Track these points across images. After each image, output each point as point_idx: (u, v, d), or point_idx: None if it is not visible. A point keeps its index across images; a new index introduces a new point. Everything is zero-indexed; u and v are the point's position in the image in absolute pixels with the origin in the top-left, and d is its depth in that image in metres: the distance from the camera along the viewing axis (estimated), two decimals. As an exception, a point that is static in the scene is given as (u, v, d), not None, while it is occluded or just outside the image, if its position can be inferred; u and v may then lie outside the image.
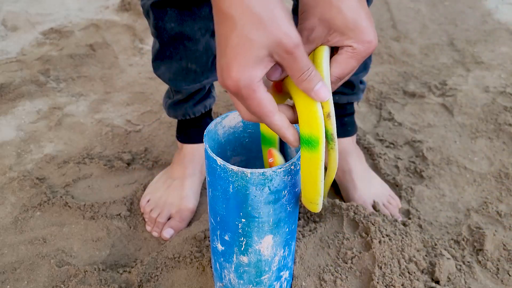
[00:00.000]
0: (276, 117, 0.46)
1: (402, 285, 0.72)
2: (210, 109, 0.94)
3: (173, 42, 0.79)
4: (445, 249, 0.82)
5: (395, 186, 0.98)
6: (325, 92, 0.45)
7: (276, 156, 0.54)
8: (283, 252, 0.61)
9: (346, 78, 0.49)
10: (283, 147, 0.60)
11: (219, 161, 0.50)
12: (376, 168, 1.02)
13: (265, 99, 0.44)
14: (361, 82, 0.94)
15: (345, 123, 0.96)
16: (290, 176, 0.52)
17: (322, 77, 0.45)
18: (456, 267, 0.78)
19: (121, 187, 0.98)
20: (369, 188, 0.92)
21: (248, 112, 0.47)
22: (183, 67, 0.82)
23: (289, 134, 0.47)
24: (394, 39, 1.52)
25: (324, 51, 0.47)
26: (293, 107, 0.49)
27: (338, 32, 0.46)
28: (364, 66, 0.92)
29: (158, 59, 0.83)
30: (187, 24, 0.77)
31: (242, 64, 0.42)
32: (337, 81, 0.48)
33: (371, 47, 0.47)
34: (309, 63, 0.44)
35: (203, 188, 0.96)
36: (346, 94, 0.93)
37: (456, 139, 1.11)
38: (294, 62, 0.43)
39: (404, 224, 0.86)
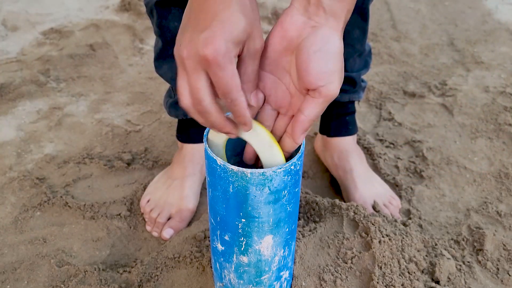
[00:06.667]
0: (242, 93, 0.45)
1: (402, 285, 0.72)
2: (211, 109, 0.94)
3: None
4: (445, 249, 0.82)
5: (395, 186, 0.98)
6: None
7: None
8: (283, 252, 0.61)
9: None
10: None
11: (219, 161, 0.50)
12: (376, 168, 1.02)
13: (237, 74, 0.44)
14: (362, 80, 0.94)
15: (346, 122, 0.95)
16: (290, 176, 0.52)
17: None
18: (456, 267, 0.78)
19: (121, 187, 0.98)
20: (369, 188, 0.92)
21: (189, 95, 0.46)
22: (185, 67, 0.82)
23: (248, 114, 0.47)
24: (394, 39, 1.52)
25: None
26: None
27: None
28: (365, 64, 0.91)
29: (161, 58, 0.83)
30: None
31: (226, 38, 0.42)
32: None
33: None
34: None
35: (203, 188, 0.96)
36: (347, 92, 0.92)
37: (456, 139, 1.11)
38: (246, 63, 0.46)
39: (404, 224, 0.86)
